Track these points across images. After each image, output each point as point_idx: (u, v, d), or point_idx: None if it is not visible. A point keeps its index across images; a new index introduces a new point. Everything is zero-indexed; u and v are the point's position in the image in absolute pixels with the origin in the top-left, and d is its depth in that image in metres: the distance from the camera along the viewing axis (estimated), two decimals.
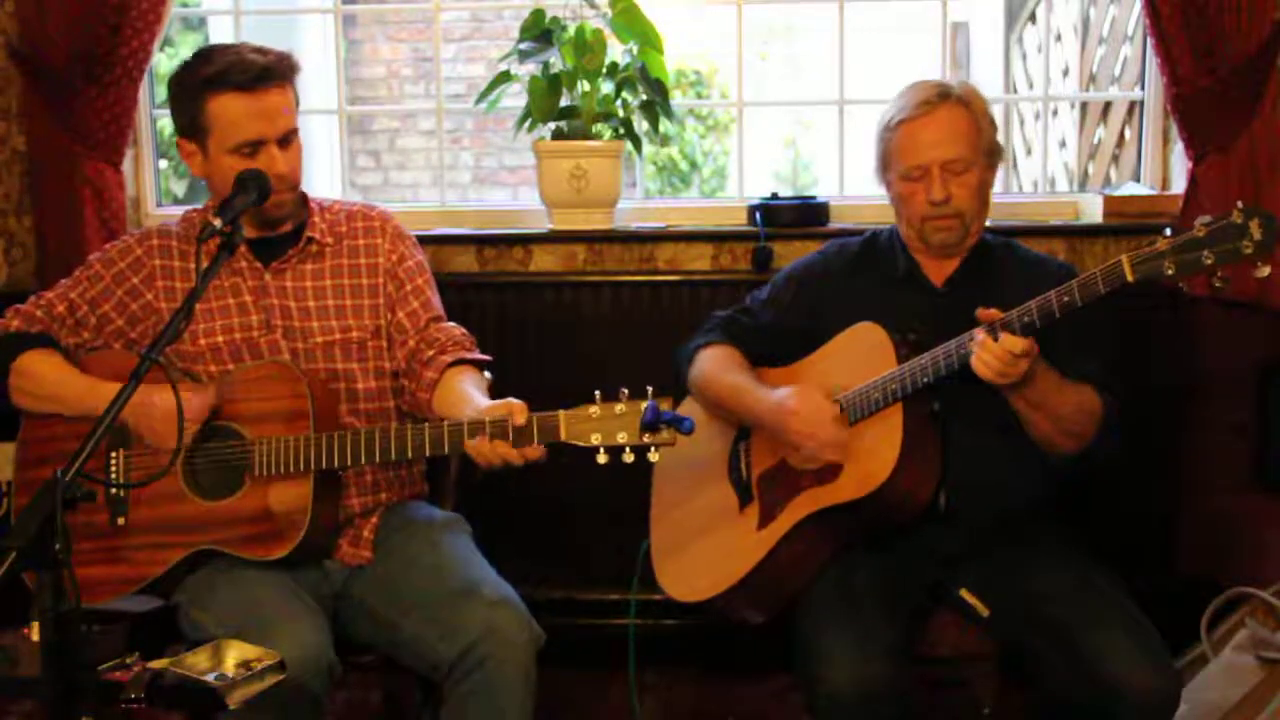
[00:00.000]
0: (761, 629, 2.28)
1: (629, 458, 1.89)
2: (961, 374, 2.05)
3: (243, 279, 2.23)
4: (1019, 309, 1.99)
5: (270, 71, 2.12)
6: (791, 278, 2.43)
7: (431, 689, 2.32)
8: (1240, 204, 1.87)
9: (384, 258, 2.29)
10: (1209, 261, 1.86)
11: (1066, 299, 1.95)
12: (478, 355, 2.24)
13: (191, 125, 2.15)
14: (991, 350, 1.98)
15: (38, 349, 2.21)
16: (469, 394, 2.10)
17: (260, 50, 2.15)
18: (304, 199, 2.29)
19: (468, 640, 1.98)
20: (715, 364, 2.34)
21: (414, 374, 2.23)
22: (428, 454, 2.03)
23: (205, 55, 2.14)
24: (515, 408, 1.94)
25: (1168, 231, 1.90)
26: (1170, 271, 1.87)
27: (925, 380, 2.08)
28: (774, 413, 2.20)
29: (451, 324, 2.30)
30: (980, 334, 2.00)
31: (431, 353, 2.22)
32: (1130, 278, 1.90)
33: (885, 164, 2.29)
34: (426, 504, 2.37)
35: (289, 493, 2.06)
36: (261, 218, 2.20)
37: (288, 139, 2.16)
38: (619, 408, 1.90)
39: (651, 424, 1.86)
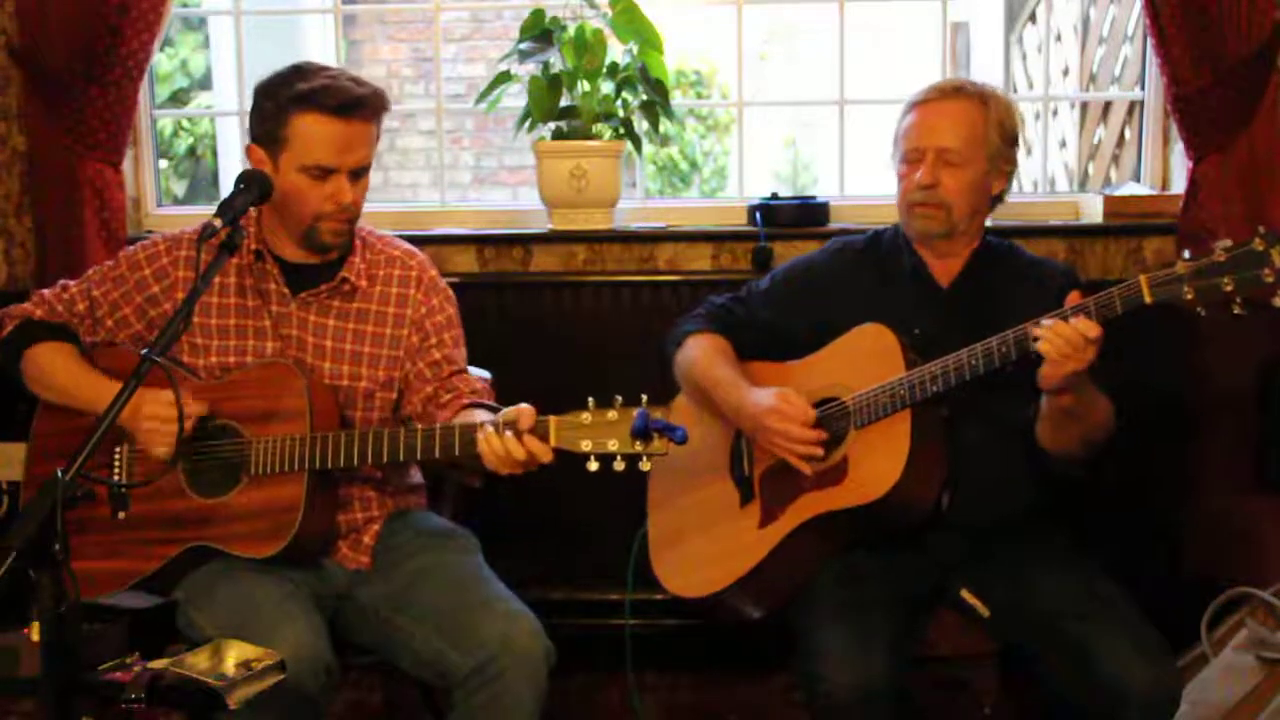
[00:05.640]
0: (761, 628, 2.28)
1: (620, 465, 1.88)
2: (973, 382, 2.04)
3: (269, 302, 2.21)
4: (1050, 316, 1.96)
5: (362, 103, 2.10)
6: (792, 274, 2.42)
7: (432, 692, 2.33)
8: (1261, 229, 1.83)
9: (413, 309, 2.26)
10: (1228, 289, 1.83)
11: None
12: (495, 406, 2.18)
13: (269, 135, 2.12)
14: (1060, 330, 1.92)
15: (54, 340, 2.22)
16: (475, 413, 2.10)
17: (357, 81, 2.13)
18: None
19: (485, 654, 1.98)
20: (702, 353, 2.33)
21: (428, 416, 2.20)
22: (418, 456, 2.02)
23: (303, 71, 2.12)
24: (524, 410, 1.93)
25: (1186, 254, 1.88)
26: (1189, 296, 1.85)
27: (936, 389, 2.07)
28: (753, 409, 2.19)
29: (474, 376, 2.28)
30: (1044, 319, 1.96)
31: (449, 397, 2.21)
32: (1149, 299, 1.88)
33: (894, 146, 2.31)
34: (430, 514, 2.36)
35: (283, 492, 2.06)
36: (311, 241, 2.18)
37: (360, 173, 2.15)
38: (611, 415, 1.88)
39: (643, 432, 1.84)
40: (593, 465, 1.89)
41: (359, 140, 2.12)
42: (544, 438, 1.90)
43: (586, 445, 1.88)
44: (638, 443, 1.86)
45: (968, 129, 2.21)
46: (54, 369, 2.20)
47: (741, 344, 2.36)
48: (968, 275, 2.29)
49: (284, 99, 2.10)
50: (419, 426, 2.06)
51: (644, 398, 1.88)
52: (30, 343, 2.22)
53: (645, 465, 1.88)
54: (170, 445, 2.06)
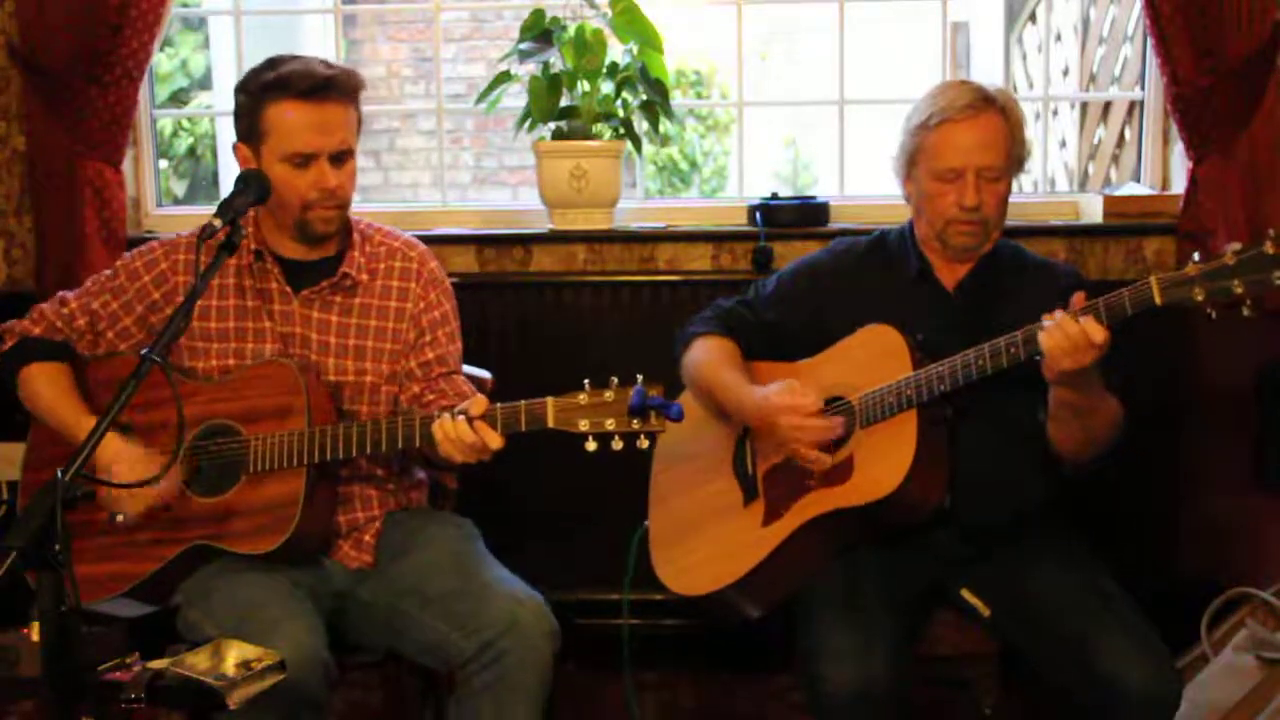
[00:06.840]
0: (761, 628, 2.28)
1: (617, 445, 1.88)
2: (980, 382, 2.04)
3: (269, 301, 2.21)
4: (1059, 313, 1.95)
5: (331, 84, 2.10)
6: (798, 275, 2.41)
7: (433, 689, 2.33)
8: (1273, 232, 1.82)
9: (412, 303, 2.26)
10: (1239, 291, 1.82)
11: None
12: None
13: (249, 129, 2.13)
14: (1064, 326, 1.91)
15: (50, 361, 2.23)
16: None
17: (327, 64, 2.14)
18: (348, 225, 2.27)
19: (489, 635, 1.98)
20: (709, 355, 2.32)
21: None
22: (417, 444, 2.03)
23: (272, 61, 2.14)
24: (477, 398, 1.97)
25: (1196, 256, 1.87)
26: (1200, 298, 1.85)
27: (942, 389, 2.07)
28: (759, 402, 2.19)
29: (464, 379, 2.28)
30: (1057, 314, 1.95)
31: (432, 397, 2.22)
32: (1159, 301, 1.88)
33: (913, 160, 2.25)
34: (431, 509, 2.36)
35: (282, 487, 2.07)
36: (304, 232, 2.18)
37: (342, 156, 2.14)
38: (607, 394, 1.89)
39: (639, 409, 1.84)
40: (591, 445, 1.89)
41: (334, 123, 2.12)
42: (541, 419, 1.92)
43: (584, 425, 1.89)
44: (635, 421, 1.86)
45: (1001, 144, 2.19)
46: (39, 393, 2.20)
47: (748, 346, 2.35)
48: (974, 279, 2.28)
49: (256, 90, 2.11)
50: (410, 417, 2.06)
51: (639, 376, 1.88)
52: (26, 362, 2.22)
53: (643, 443, 1.88)
54: (135, 510, 2.08)
